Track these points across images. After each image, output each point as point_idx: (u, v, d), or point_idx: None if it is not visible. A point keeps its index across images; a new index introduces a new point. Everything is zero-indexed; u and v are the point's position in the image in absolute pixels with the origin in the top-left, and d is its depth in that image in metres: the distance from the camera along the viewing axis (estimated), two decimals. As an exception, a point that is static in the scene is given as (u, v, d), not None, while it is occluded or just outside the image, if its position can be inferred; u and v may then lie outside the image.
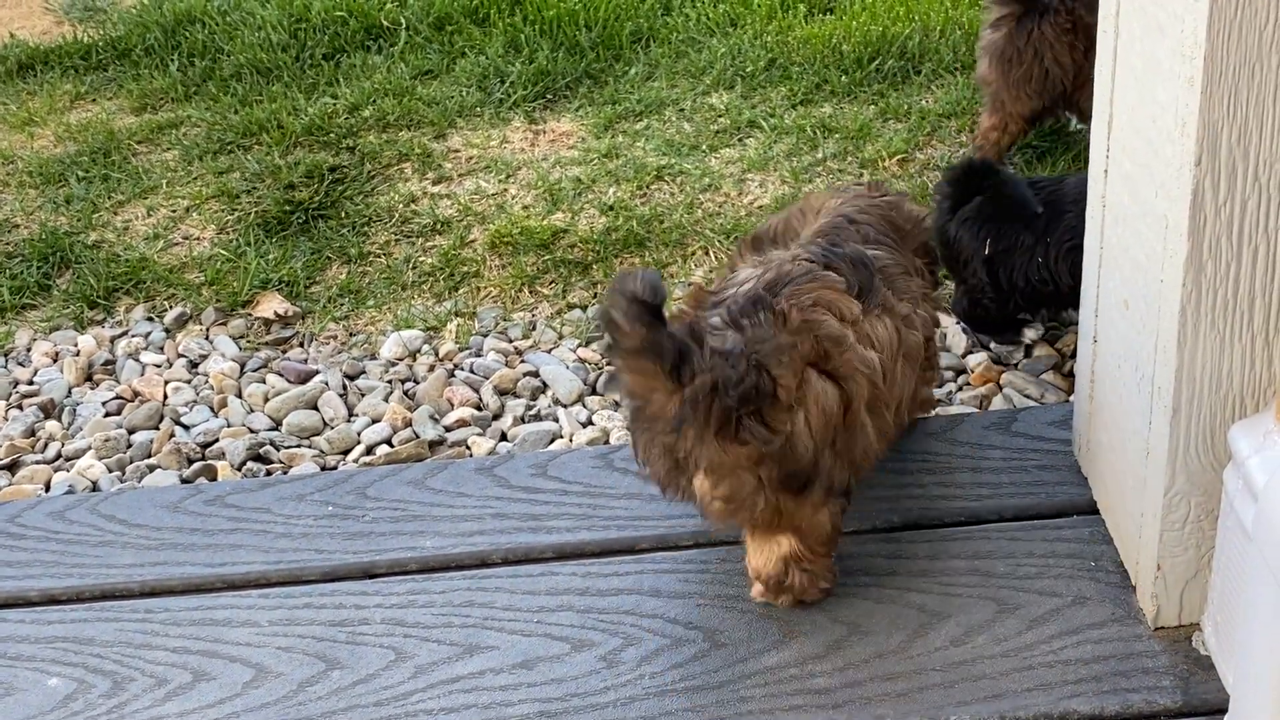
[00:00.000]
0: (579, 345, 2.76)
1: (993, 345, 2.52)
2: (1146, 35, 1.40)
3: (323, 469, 2.42)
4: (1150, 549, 1.54)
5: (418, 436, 2.49)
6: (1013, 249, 2.38)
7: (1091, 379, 1.79)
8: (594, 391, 2.63)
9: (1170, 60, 1.33)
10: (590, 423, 2.52)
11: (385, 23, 3.97)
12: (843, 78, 3.53)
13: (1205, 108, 1.25)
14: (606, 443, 2.45)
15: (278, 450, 2.48)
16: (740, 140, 3.36)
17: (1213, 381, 1.36)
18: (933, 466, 1.82)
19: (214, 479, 2.39)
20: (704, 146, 3.34)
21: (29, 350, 2.84)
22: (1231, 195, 1.30)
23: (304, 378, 2.70)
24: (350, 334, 2.86)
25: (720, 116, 3.46)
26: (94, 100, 3.80)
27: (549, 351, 2.75)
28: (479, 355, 2.75)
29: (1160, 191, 1.41)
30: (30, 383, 2.73)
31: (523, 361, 2.71)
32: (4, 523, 1.80)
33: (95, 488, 2.37)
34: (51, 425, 2.59)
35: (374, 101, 3.61)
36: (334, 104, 3.60)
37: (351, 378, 2.71)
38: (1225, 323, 1.33)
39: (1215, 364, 1.37)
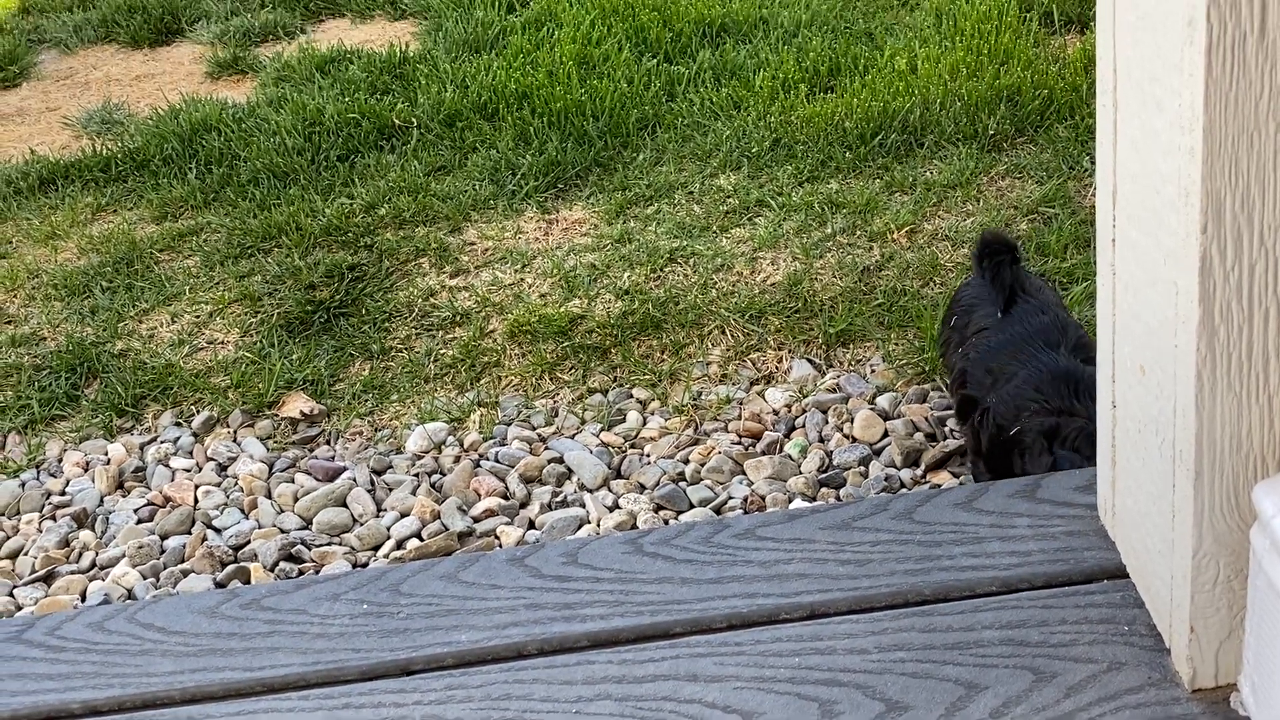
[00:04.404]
0: (601, 429, 2.78)
1: None
2: (1144, 109, 1.44)
3: (354, 566, 2.44)
4: (1182, 611, 1.53)
5: (447, 529, 2.51)
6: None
7: (1113, 443, 1.80)
8: (618, 475, 2.65)
9: (1170, 133, 1.35)
10: (617, 506, 2.54)
11: (397, 122, 4.06)
12: (847, 154, 3.58)
13: (1207, 177, 1.27)
14: (634, 527, 2.46)
15: (309, 549, 2.50)
16: (750, 219, 3.41)
17: (1233, 443, 1.37)
18: (961, 537, 1.82)
19: (247, 581, 2.41)
20: (715, 227, 3.39)
21: (60, 461, 2.88)
22: (1239, 261, 1.31)
23: (332, 475, 2.73)
24: (375, 429, 2.89)
25: (729, 197, 3.51)
26: (115, 211, 3.88)
27: (572, 437, 2.77)
28: (503, 444, 2.77)
29: (1168, 259, 1.43)
30: (63, 493, 2.76)
31: (547, 448, 2.74)
32: (44, 635, 1.82)
33: (131, 595, 2.39)
34: (85, 535, 2.62)
35: (389, 199, 3.67)
36: (350, 204, 3.67)
37: (379, 473, 2.73)
38: (1241, 385, 1.34)
39: (1234, 426, 1.38)
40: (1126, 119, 1.46)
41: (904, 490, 2.45)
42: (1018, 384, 2.15)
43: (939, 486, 2.43)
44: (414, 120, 4.05)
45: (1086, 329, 2.44)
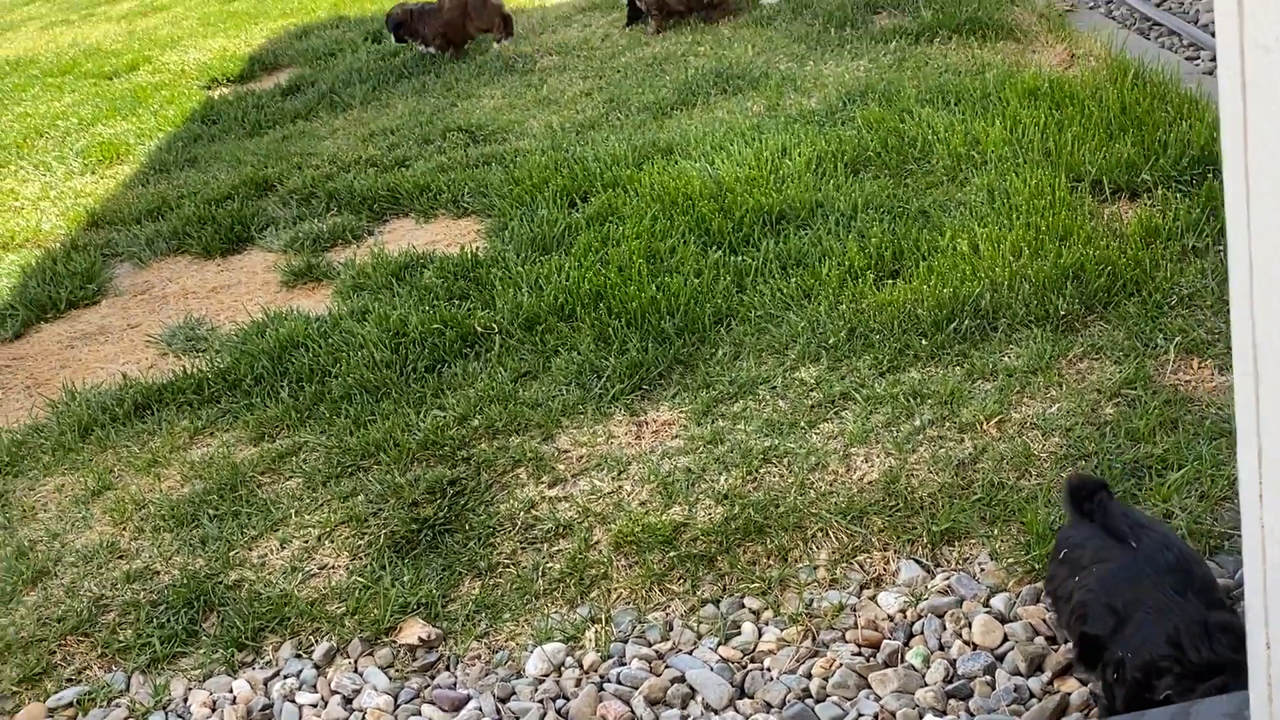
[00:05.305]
0: (719, 643, 2.82)
1: None
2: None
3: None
4: None
5: (583, 761, 2.54)
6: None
7: (1269, 683, 1.84)
8: (743, 693, 2.69)
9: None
10: (747, 728, 2.57)
11: (479, 329, 4.19)
12: (923, 341, 3.68)
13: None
14: (768, 749, 2.49)
15: (449, 789, 2.53)
16: (837, 413, 3.49)
17: None
18: (1123, 775, 1.86)
19: (392, 826, 2.44)
20: (802, 423, 3.47)
21: (186, 701, 2.94)
22: None
23: (458, 705, 2.77)
24: (493, 651, 2.95)
25: (812, 391, 3.60)
26: (212, 434, 3.99)
27: (690, 652, 2.81)
28: (623, 663, 2.82)
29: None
30: (195, 737, 2.82)
31: (667, 666, 2.78)
32: None
33: None
34: (224, 782, 2.66)
35: (481, 409, 3.78)
36: (443, 416, 3.77)
37: (503, 700, 2.78)
38: None
39: None
40: (1271, 398, 1.55)
41: (1034, 700, 2.47)
42: (1150, 634, 2.13)
43: (1069, 696, 2.46)
44: (495, 326, 4.18)
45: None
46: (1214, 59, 5.75)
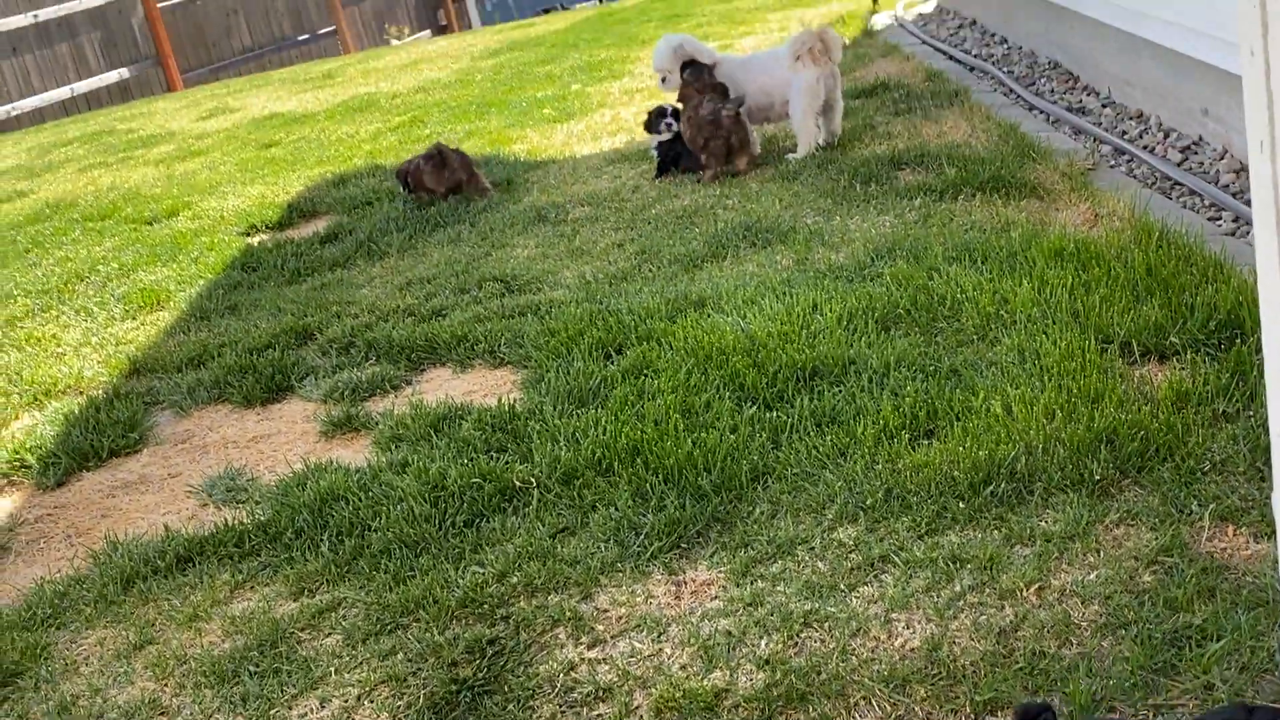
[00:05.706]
0: (762, 815, 2.81)
1: None
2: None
3: None
4: None
5: None
6: None
7: None
8: None
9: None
10: None
11: (517, 483, 4.24)
12: (960, 504, 3.71)
13: None
14: None
15: None
16: (876, 576, 3.51)
17: None
18: None
19: None
20: (842, 586, 3.49)
21: None
22: None
23: None
24: (534, 819, 2.94)
25: (851, 552, 3.63)
26: (252, 588, 4.03)
27: (734, 824, 2.80)
28: (666, 834, 2.80)
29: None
30: None
31: (711, 838, 2.77)
32: None
33: None
34: None
35: (519, 567, 3.81)
36: (482, 572, 3.80)
37: None
38: None
39: None
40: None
41: None
42: None
43: None
44: (533, 480, 4.24)
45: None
46: (1236, 219, 5.87)
